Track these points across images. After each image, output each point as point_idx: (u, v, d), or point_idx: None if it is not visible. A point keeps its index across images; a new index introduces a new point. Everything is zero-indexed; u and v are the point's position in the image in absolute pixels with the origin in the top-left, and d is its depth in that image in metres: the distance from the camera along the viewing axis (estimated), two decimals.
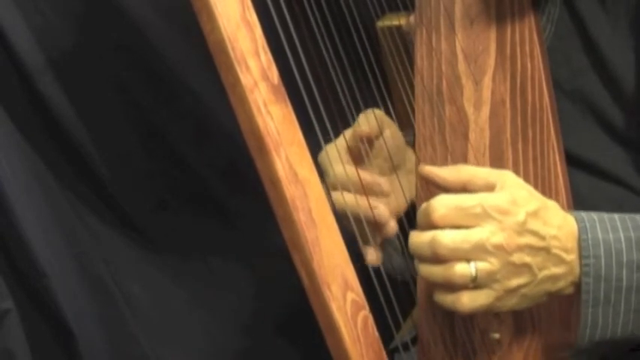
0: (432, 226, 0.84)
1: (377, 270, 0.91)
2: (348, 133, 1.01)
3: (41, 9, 1.24)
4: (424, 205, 0.85)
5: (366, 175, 1.00)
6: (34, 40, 1.24)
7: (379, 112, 1.03)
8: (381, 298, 0.89)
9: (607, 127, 0.99)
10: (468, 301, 0.84)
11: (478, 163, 1.00)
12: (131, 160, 1.33)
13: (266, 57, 0.82)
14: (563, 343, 0.91)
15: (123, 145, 1.32)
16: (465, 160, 1.01)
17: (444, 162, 1.02)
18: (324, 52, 0.94)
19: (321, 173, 0.95)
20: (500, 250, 0.83)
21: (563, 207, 0.95)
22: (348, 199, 0.98)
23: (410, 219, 1.02)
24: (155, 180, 1.34)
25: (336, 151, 0.98)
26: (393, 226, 1.00)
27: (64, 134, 1.28)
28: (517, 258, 0.84)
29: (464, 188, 0.88)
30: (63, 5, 1.24)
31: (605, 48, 0.99)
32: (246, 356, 1.40)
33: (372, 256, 1.00)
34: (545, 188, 0.97)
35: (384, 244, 1.03)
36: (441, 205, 0.84)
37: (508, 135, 1.00)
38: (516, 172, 0.98)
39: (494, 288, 0.84)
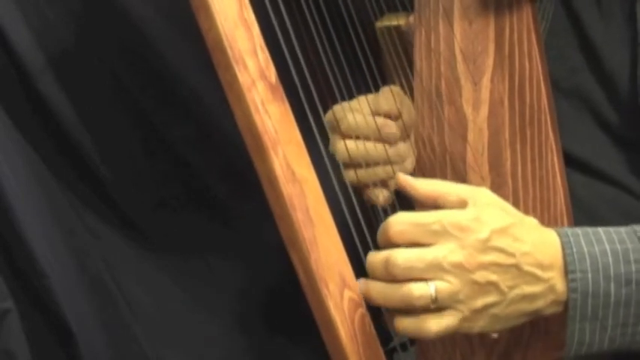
0: (389, 243, 0.82)
1: None
2: (368, 101, 1.01)
3: (41, 9, 1.24)
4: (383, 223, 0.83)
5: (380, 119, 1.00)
6: (34, 40, 1.24)
7: (397, 90, 1.03)
8: None
9: (603, 126, 0.99)
10: (433, 324, 0.81)
11: (477, 163, 1.00)
12: (131, 160, 1.33)
13: (264, 56, 0.82)
14: (562, 342, 0.90)
15: (123, 145, 1.32)
16: (463, 160, 1.01)
17: (442, 162, 1.02)
18: (322, 51, 0.94)
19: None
20: (459, 268, 0.80)
21: (561, 207, 0.96)
22: (361, 145, 0.99)
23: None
24: (155, 180, 1.34)
25: (356, 104, 0.99)
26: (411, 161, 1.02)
27: (64, 134, 1.28)
28: (480, 276, 0.81)
29: (435, 202, 0.85)
30: (63, 5, 1.24)
31: (600, 46, 0.99)
32: (247, 356, 1.40)
33: (382, 194, 1.01)
34: (543, 188, 0.97)
35: None
36: (398, 221, 0.82)
37: (507, 135, 1.00)
38: (514, 172, 0.99)
39: (458, 309, 0.81)
